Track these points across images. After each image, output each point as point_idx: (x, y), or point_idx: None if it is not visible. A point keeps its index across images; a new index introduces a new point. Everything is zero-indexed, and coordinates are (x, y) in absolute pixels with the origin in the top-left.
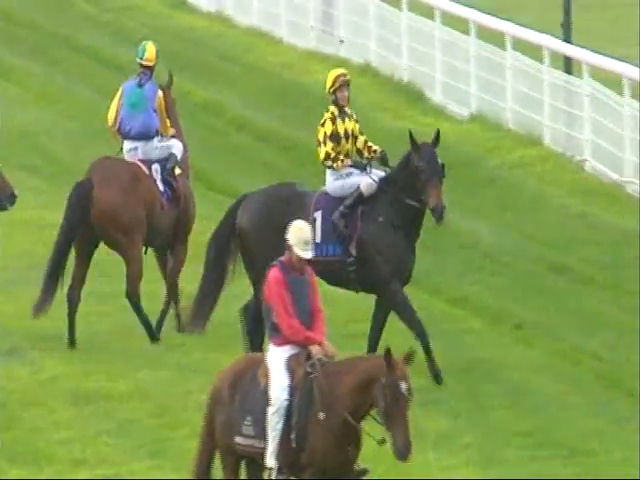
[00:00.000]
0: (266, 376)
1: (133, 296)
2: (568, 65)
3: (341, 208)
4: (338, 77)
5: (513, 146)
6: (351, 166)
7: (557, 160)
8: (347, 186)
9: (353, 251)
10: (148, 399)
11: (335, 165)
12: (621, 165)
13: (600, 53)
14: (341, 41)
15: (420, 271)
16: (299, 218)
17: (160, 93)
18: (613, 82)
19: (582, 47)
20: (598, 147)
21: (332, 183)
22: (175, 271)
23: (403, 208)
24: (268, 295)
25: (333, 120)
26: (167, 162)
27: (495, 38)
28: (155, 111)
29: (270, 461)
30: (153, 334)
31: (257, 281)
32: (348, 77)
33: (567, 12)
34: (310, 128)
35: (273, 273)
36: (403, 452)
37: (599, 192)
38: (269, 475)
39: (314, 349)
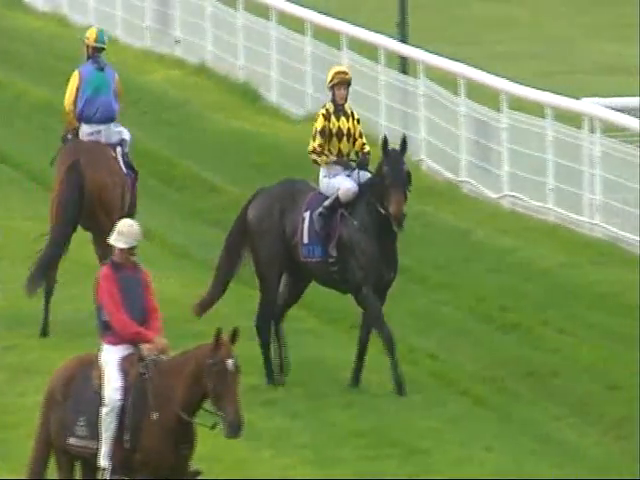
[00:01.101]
0: (99, 376)
1: None
2: (404, 65)
3: (321, 208)
4: (337, 74)
5: None
6: (335, 163)
7: None
8: (331, 186)
9: (333, 252)
10: None
11: (319, 160)
12: (457, 165)
13: (435, 53)
14: (177, 41)
15: None
16: (293, 217)
17: (117, 77)
18: (448, 82)
19: (417, 47)
20: (434, 147)
21: (322, 180)
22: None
23: (375, 214)
24: (98, 293)
25: (326, 117)
26: (122, 146)
27: (331, 38)
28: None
29: (103, 462)
30: None
31: (261, 278)
32: (349, 76)
33: (402, 12)
34: (146, 127)
35: (103, 271)
36: (235, 427)
37: (435, 192)
38: (102, 476)
39: (145, 348)
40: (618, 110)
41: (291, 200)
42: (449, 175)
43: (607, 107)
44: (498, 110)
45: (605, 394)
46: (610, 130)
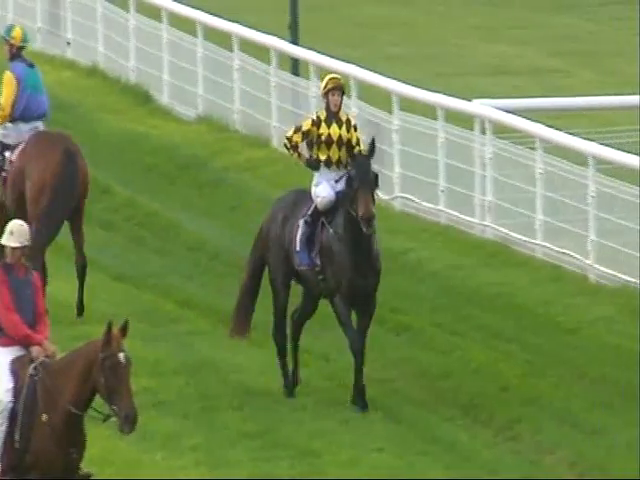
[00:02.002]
0: None
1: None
2: (295, 66)
3: (306, 217)
4: (331, 79)
5: (241, 147)
6: (306, 163)
7: (286, 162)
8: (315, 195)
9: (317, 260)
10: None
11: (290, 151)
12: None
13: (327, 54)
14: (68, 43)
15: (148, 273)
16: (291, 225)
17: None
18: None
19: (309, 48)
20: None
21: (311, 188)
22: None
23: (350, 222)
24: None
25: (315, 123)
26: None
27: (222, 39)
28: None
29: None
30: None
31: (271, 287)
32: (341, 81)
33: (294, 13)
34: None
35: None
36: (130, 420)
37: None
38: None
39: (34, 350)
40: (509, 111)
41: (292, 208)
42: None
43: (498, 108)
44: (389, 112)
45: (496, 395)
46: (501, 131)
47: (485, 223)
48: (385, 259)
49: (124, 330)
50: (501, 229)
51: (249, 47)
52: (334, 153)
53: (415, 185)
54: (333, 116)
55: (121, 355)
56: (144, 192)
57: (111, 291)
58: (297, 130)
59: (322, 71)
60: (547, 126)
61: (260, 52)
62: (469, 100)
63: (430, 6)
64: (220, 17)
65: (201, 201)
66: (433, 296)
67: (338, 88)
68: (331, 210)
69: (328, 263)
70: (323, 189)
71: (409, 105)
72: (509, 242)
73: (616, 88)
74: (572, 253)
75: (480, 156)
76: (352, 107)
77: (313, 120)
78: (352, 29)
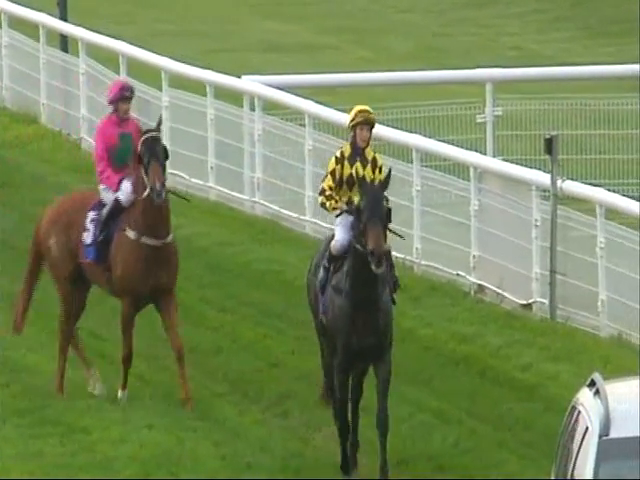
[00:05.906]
0: None
1: None
2: (64, 43)
3: (324, 261)
4: (360, 111)
5: (9, 124)
6: (346, 211)
7: (54, 138)
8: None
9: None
10: None
11: (327, 204)
12: None
13: (96, 31)
14: None
15: None
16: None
17: None
18: (110, 60)
19: (78, 25)
20: (94, 125)
21: (334, 226)
22: None
23: (351, 272)
24: None
25: (339, 161)
26: None
27: None
28: None
29: None
30: None
31: (318, 338)
32: (373, 116)
33: None
34: None
35: None
36: None
37: (92, 170)
38: None
39: None
40: (279, 88)
41: (323, 255)
42: None
43: (267, 85)
44: (159, 88)
45: (265, 371)
46: (270, 108)
47: (255, 200)
48: None
49: None
50: (271, 206)
51: (18, 24)
52: (355, 195)
53: (184, 162)
54: (358, 153)
55: None
56: None
57: None
58: (326, 177)
59: (92, 48)
60: (317, 103)
61: (29, 29)
62: (238, 77)
63: None
64: None
65: None
66: (202, 273)
67: (368, 122)
68: (341, 257)
69: (329, 315)
70: (339, 232)
71: (179, 82)
72: (279, 219)
73: (386, 65)
74: None
75: (249, 133)
76: None
77: (337, 158)
78: (121, 6)
